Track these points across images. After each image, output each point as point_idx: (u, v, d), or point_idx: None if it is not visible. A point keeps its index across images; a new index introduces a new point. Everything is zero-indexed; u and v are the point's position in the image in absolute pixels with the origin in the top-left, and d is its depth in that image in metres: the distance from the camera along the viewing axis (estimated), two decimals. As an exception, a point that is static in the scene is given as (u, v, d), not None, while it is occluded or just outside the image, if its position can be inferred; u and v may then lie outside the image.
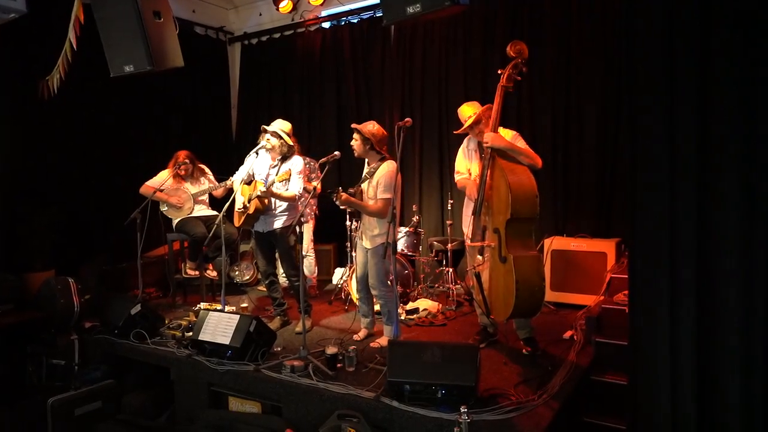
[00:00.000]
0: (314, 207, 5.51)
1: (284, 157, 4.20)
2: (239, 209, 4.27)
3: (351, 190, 3.67)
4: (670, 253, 2.26)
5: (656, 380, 2.31)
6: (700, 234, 2.21)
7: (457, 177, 3.78)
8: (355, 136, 3.77)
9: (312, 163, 5.25)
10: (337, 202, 3.63)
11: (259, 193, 4.03)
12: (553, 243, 4.64)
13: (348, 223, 5.14)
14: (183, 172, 5.05)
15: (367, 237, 3.82)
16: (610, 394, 3.27)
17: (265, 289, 5.29)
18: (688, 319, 2.25)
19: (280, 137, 4.14)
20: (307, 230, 5.47)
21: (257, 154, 4.22)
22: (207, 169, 5.26)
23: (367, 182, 3.74)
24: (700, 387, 2.24)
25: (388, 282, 3.77)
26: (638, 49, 2.31)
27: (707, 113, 2.16)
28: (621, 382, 3.18)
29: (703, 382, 2.24)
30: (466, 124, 3.57)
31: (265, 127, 4.20)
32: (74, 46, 4.00)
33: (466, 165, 3.71)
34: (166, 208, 5.06)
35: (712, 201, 2.18)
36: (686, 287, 2.24)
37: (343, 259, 5.78)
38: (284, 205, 4.20)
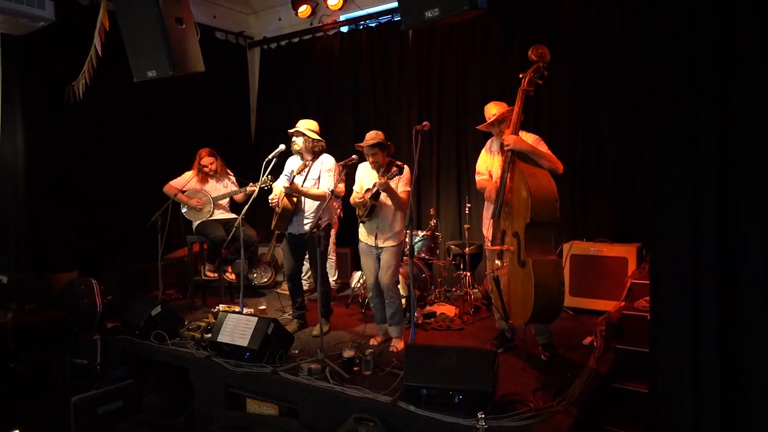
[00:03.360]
0: (338, 210, 5.50)
1: (315, 156, 4.19)
2: (272, 204, 4.23)
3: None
4: (692, 261, 2.22)
5: (678, 389, 2.26)
6: (722, 241, 2.16)
7: (477, 178, 3.77)
8: (374, 150, 3.74)
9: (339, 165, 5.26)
10: (380, 188, 3.62)
11: (284, 190, 4.05)
12: (572, 247, 4.58)
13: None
14: (208, 170, 5.12)
15: (384, 236, 3.81)
16: (632, 402, 3.22)
17: (282, 291, 5.34)
18: (712, 326, 2.20)
19: (303, 134, 4.15)
20: (331, 234, 5.49)
21: (276, 158, 4.23)
22: (230, 173, 5.33)
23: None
24: (724, 396, 2.19)
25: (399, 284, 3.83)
26: (658, 62, 2.28)
27: (728, 122, 2.13)
28: (642, 390, 3.13)
29: (727, 391, 2.19)
30: (489, 121, 3.55)
31: (290, 131, 4.22)
32: (99, 52, 4.10)
33: (486, 166, 3.70)
34: (186, 210, 5.14)
35: (733, 209, 2.14)
36: (709, 294, 2.20)
37: (360, 263, 5.79)
38: (316, 205, 4.17)
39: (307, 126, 4.18)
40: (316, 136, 4.16)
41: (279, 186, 4.25)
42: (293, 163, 4.30)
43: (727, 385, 2.19)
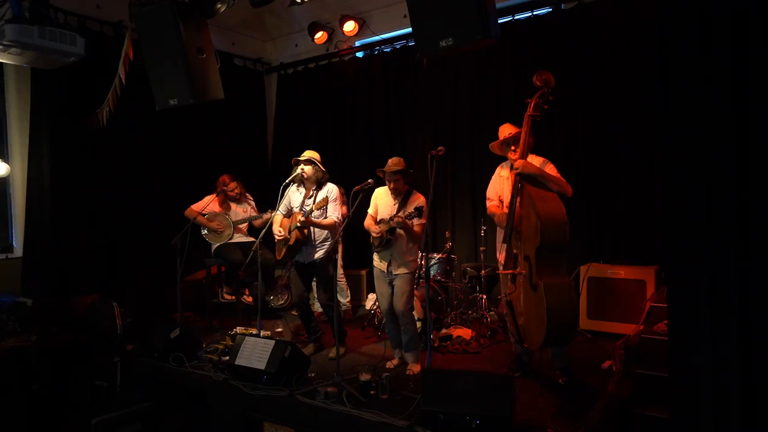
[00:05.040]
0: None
1: (319, 186, 4.29)
2: (278, 238, 4.31)
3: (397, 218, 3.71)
4: (710, 283, 2.21)
5: (699, 415, 2.23)
6: (740, 260, 2.14)
7: (487, 204, 3.79)
8: (396, 177, 3.79)
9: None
10: (397, 226, 3.68)
11: (298, 224, 4.12)
12: (589, 270, 4.55)
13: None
14: (231, 193, 5.27)
15: (397, 263, 3.85)
16: (652, 428, 3.16)
17: (296, 313, 5.36)
18: (732, 351, 2.17)
19: (313, 164, 4.24)
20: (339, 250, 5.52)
21: (290, 185, 4.31)
22: (250, 197, 5.44)
23: (402, 210, 3.79)
24: (747, 422, 2.15)
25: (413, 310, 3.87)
26: (673, 73, 2.30)
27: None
28: (663, 416, 3.07)
29: (749, 417, 2.16)
30: (501, 138, 3.59)
31: (297, 158, 4.31)
32: (123, 81, 4.24)
33: (496, 191, 3.72)
34: (206, 232, 5.24)
35: (752, 226, 2.13)
36: (728, 318, 2.17)
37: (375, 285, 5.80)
38: (324, 234, 4.26)
39: (312, 156, 4.29)
40: (323, 168, 4.29)
41: (279, 215, 4.33)
42: (293, 192, 4.37)
43: (750, 411, 2.16)
